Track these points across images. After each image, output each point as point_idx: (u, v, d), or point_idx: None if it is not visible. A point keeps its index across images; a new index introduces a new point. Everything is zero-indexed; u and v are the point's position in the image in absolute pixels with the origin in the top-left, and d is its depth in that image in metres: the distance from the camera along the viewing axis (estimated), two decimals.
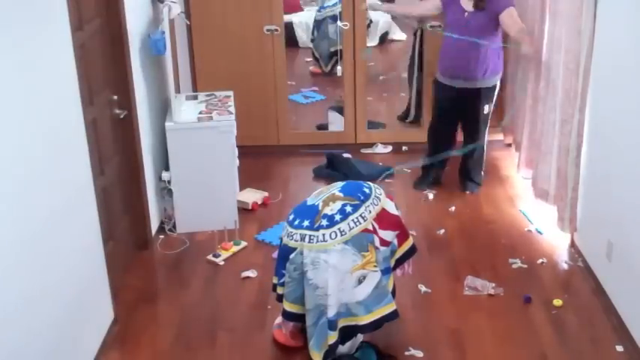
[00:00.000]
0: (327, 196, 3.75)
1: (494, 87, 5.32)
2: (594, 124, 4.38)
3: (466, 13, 5.10)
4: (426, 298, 4.32)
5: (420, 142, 6.34)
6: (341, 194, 3.74)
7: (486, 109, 5.34)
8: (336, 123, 6.55)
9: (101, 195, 4.01)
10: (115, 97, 4.39)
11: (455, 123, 5.54)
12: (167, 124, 4.97)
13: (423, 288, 4.37)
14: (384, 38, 9.25)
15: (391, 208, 3.83)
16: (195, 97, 5.38)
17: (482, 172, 5.64)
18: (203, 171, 5.00)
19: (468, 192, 5.57)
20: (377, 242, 3.66)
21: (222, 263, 4.71)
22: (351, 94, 6.28)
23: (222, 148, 5.02)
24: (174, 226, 5.13)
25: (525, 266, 4.57)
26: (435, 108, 5.61)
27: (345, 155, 6.15)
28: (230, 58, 6.08)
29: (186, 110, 5.10)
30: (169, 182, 5.06)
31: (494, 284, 4.33)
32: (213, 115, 5.02)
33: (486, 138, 5.55)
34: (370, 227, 3.65)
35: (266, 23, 6.00)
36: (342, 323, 3.63)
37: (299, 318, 3.74)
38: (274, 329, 3.99)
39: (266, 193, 5.54)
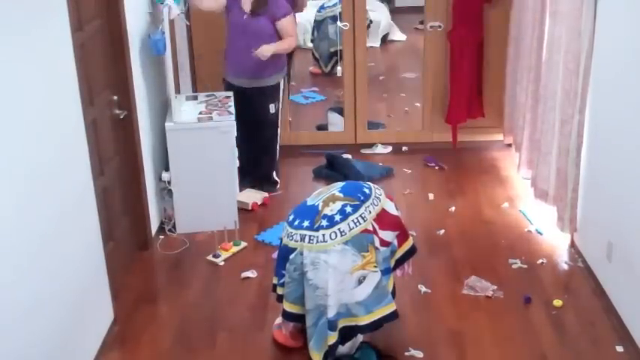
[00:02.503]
0: (327, 196, 3.75)
1: (277, 85, 5.48)
2: (594, 125, 4.38)
3: (245, 16, 5.22)
4: (426, 299, 4.32)
5: (421, 143, 6.37)
6: (341, 195, 3.74)
7: (272, 108, 5.46)
8: (336, 124, 6.55)
9: (101, 195, 4.01)
10: (115, 98, 4.39)
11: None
12: (167, 124, 4.97)
13: (423, 288, 4.37)
14: (385, 39, 9.26)
15: (391, 208, 3.83)
16: (195, 98, 5.38)
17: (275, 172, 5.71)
18: (203, 171, 5.00)
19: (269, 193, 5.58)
20: (377, 242, 3.66)
21: (222, 264, 4.71)
22: (351, 95, 6.29)
23: (222, 149, 5.02)
24: (174, 227, 5.13)
25: (525, 266, 4.57)
26: None
27: (345, 156, 6.15)
28: None
29: (186, 110, 5.10)
30: (169, 182, 5.06)
31: (495, 287, 4.33)
32: (213, 115, 5.02)
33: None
34: (370, 227, 3.65)
35: None
36: (342, 324, 3.63)
37: (299, 318, 3.74)
38: (274, 329, 3.98)
39: (266, 194, 5.54)
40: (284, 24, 5.26)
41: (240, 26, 5.23)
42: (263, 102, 5.40)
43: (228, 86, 5.46)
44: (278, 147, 5.66)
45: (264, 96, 5.39)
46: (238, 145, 5.21)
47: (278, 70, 5.40)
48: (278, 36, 5.27)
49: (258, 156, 5.56)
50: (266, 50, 5.16)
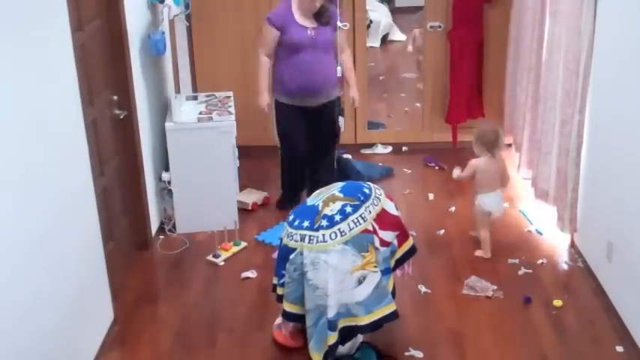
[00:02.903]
0: (327, 196, 3.75)
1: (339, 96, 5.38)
2: (594, 125, 4.37)
3: (309, 31, 4.92)
4: (426, 299, 4.32)
5: (421, 143, 6.37)
6: (341, 195, 3.74)
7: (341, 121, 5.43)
8: None
9: (101, 195, 4.01)
10: (115, 98, 4.40)
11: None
12: (167, 124, 4.97)
13: (422, 288, 4.37)
14: (385, 39, 9.26)
15: (391, 208, 3.83)
16: (195, 98, 5.38)
17: None
18: (203, 171, 5.00)
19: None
20: (377, 243, 3.66)
21: (222, 264, 4.71)
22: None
23: (222, 149, 5.02)
24: (174, 227, 5.13)
25: (525, 267, 4.57)
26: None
27: (345, 156, 6.15)
28: (230, 58, 6.08)
29: (186, 111, 5.10)
30: (169, 183, 5.06)
31: (495, 287, 4.33)
32: (213, 115, 5.03)
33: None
34: (370, 228, 3.65)
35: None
36: (342, 324, 3.63)
37: (299, 318, 3.74)
38: (274, 330, 3.98)
39: (266, 194, 5.54)
40: (342, 33, 5.06)
41: (305, 43, 4.91)
42: (333, 117, 5.27)
43: (288, 110, 5.10)
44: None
45: (334, 110, 5.25)
46: (301, 172, 5.28)
47: (338, 80, 5.17)
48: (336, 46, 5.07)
49: (327, 178, 5.08)
50: (357, 95, 5.21)
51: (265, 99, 5.08)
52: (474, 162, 4.70)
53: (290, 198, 5.38)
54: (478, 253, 4.72)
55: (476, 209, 4.76)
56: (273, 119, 5.26)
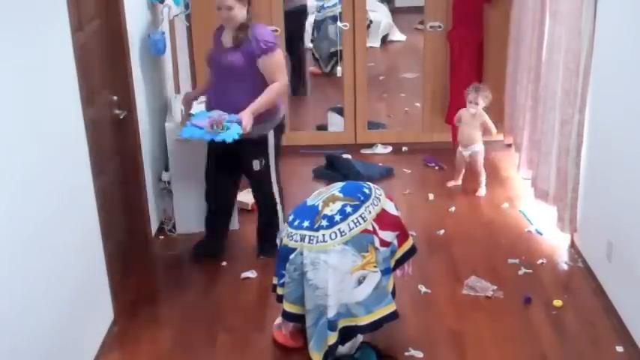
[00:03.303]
0: (327, 196, 3.75)
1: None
2: (594, 125, 4.37)
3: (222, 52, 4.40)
4: (426, 299, 4.31)
5: (421, 143, 6.37)
6: (341, 195, 3.74)
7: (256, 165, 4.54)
8: (336, 124, 6.55)
9: (101, 195, 4.00)
10: (115, 98, 4.39)
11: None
12: (167, 124, 4.96)
13: (422, 288, 4.37)
14: (384, 39, 9.27)
15: (391, 208, 3.83)
16: (195, 98, 5.37)
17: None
18: (203, 171, 4.98)
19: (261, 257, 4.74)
20: (377, 243, 3.66)
21: (223, 264, 4.71)
22: (351, 95, 6.28)
23: None
24: (174, 227, 5.13)
25: (525, 267, 4.57)
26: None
27: (345, 156, 6.15)
28: None
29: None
30: (169, 183, 5.06)
31: (495, 287, 4.33)
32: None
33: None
34: (370, 228, 3.65)
35: (266, 24, 5.98)
36: (342, 324, 3.63)
37: (299, 318, 3.74)
38: (274, 330, 3.98)
39: None
40: (272, 63, 4.33)
41: (209, 63, 4.48)
42: (247, 160, 4.53)
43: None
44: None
45: (247, 154, 4.52)
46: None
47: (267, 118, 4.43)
48: (256, 76, 4.35)
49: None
50: (247, 120, 4.24)
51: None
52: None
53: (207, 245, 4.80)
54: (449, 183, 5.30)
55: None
56: None
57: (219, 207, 4.78)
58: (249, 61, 4.30)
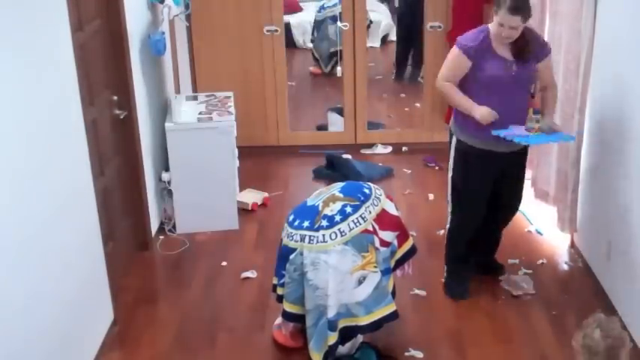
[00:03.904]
0: (327, 196, 3.75)
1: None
2: (594, 125, 4.37)
3: (511, 64, 3.92)
4: (426, 299, 4.31)
5: (421, 143, 6.37)
6: (341, 195, 3.74)
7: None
8: (336, 124, 6.55)
9: (101, 195, 4.00)
10: (115, 98, 4.39)
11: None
12: (167, 124, 4.97)
13: (422, 289, 4.37)
14: (385, 39, 9.26)
15: (391, 208, 3.83)
16: (195, 98, 5.38)
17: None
18: (203, 172, 5.00)
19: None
20: (377, 243, 3.66)
21: (223, 264, 4.71)
22: (350, 95, 6.29)
23: (222, 149, 5.01)
24: (174, 227, 5.13)
25: (525, 267, 4.57)
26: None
27: (345, 156, 6.15)
28: (230, 58, 6.09)
29: (186, 111, 5.10)
30: (169, 183, 5.06)
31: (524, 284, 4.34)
32: (213, 115, 5.02)
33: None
34: (370, 228, 3.65)
35: (266, 24, 6.01)
36: (342, 324, 3.63)
37: (299, 318, 3.74)
38: (274, 330, 3.98)
39: (266, 194, 5.54)
40: (548, 65, 4.07)
41: (503, 80, 3.90)
42: (522, 168, 4.29)
43: (479, 154, 4.03)
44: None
45: (524, 161, 4.28)
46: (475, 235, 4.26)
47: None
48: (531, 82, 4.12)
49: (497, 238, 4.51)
50: (553, 124, 4.03)
51: (482, 107, 3.89)
52: None
53: (457, 282, 4.34)
54: None
55: None
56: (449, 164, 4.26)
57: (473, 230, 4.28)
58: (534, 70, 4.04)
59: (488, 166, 4.07)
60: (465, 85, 3.99)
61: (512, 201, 4.33)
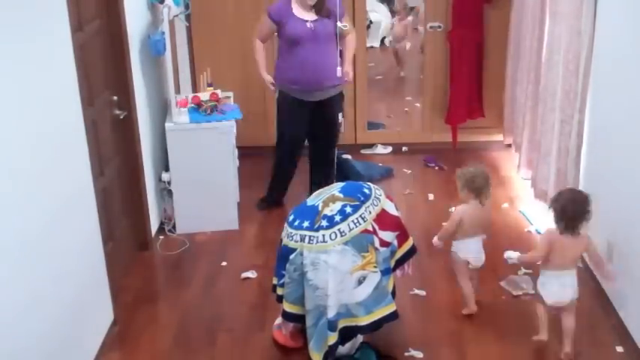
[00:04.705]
0: (327, 196, 3.75)
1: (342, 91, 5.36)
2: (594, 125, 4.37)
3: (309, 24, 4.93)
4: (426, 299, 4.32)
5: (421, 143, 6.37)
6: (341, 195, 3.74)
7: (340, 117, 5.38)
8: None
9: (101, 195, 4.01)
10: (115, 98, 4.40)
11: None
12: (167, 124, 4.97)
13: (422, 289, 4.37)
14: (385, 39, 9.27)
15: (391, 208, 3.83)
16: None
17: None
18: (203, 172, 5.00)
19: None
20: (377, 243, 3.66)
21: (223, 264, 4.71)
22: (350, 95, 6.28)
23: (222, 149, 5.02)
24: (174, 227, 5.13)
25: (525, 267, 4.56)
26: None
27: (345, 156, 6.15)
28: (230, 58, 6.08)
29: (186, 111, 5.10)
30: (169, 183, 5.06)
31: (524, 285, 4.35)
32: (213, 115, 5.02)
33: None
34: (370, 228, 3.65)
35: None
36: (342, 324, 3.63)
37: (299, 319, 3.74)
38: (274, 330, 3.98)
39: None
40: (344, 20, 5.07)
41: (305, 37, 4.94)
42: (334, 114, 5.27)
43: (290, 100, 5.15)
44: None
45: (337, 105, 5.27)
46: (290, 171, 5.40)
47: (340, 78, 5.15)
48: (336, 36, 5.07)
49: (327, 173, 5.40)
50: (350, 72, 5.12)
51: (268, 77, 5.14)
52: (459, 209, 4.04)
53: (273, 198, 5.47)
54: (465, 311, 4.10)
55: (452, 258, 4.16)
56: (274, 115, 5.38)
57: (293, 160, 5.37)
58: (335, 26, 5.04)
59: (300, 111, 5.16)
60: (280, 41, 5.09)
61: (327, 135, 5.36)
